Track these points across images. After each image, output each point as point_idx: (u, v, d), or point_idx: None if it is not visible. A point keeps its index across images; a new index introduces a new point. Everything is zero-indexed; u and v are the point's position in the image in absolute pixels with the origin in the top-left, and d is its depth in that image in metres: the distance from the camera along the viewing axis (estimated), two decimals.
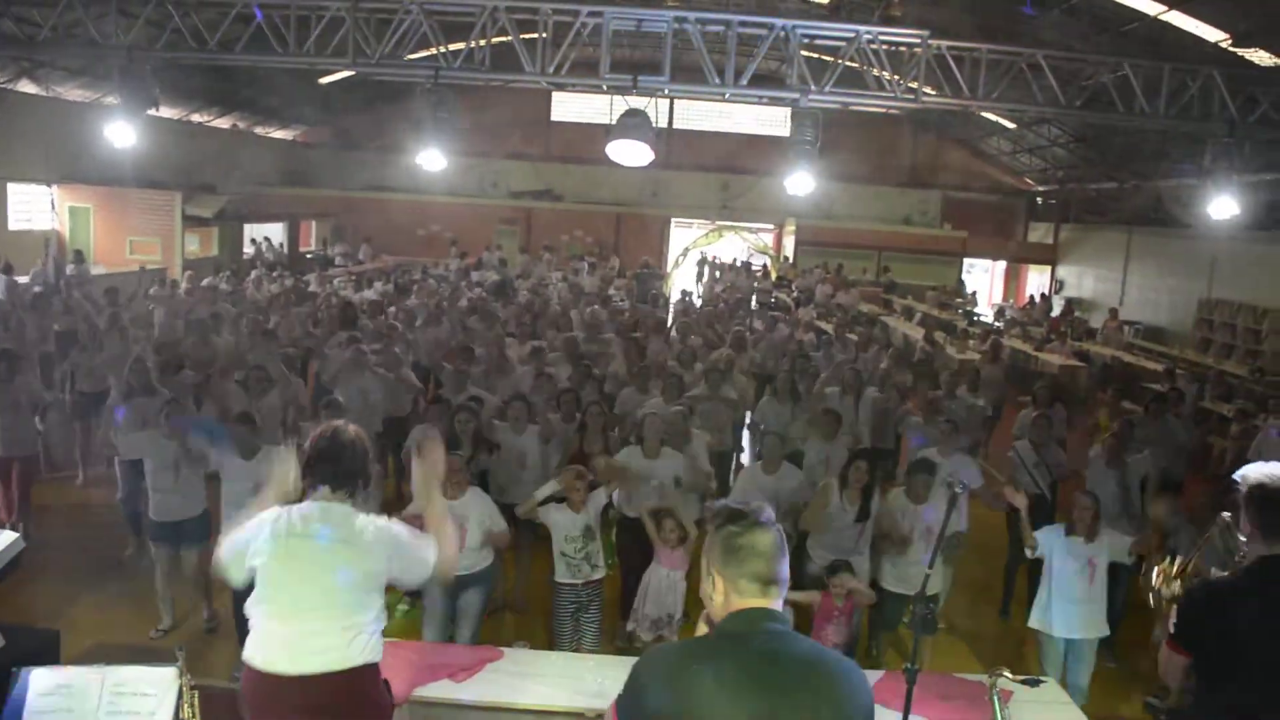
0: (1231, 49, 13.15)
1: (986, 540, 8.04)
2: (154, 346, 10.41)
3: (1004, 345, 16.13)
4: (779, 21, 10.18)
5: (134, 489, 7.47)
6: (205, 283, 15.32)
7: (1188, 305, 20.56)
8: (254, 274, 17.57)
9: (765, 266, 26.45)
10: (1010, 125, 24.48)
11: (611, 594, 6.59)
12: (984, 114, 21.47)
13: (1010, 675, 4.34)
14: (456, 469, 5.65)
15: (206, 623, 6.81)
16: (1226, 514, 3.98)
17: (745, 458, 10.41)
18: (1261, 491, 3.07)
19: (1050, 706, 4.95)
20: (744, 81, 10.51)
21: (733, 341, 11.33)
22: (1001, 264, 29.50)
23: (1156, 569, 3.84)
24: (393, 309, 13.36)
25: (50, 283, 15.17)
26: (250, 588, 3.35)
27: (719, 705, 2.22)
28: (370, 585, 3.35)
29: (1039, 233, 28.76)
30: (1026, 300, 26.52)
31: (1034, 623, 5.93)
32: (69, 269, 16.23)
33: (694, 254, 27.64)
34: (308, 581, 3.27)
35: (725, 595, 2.40)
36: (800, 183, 10.70)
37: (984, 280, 29.25)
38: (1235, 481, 3.20)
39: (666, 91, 11.97)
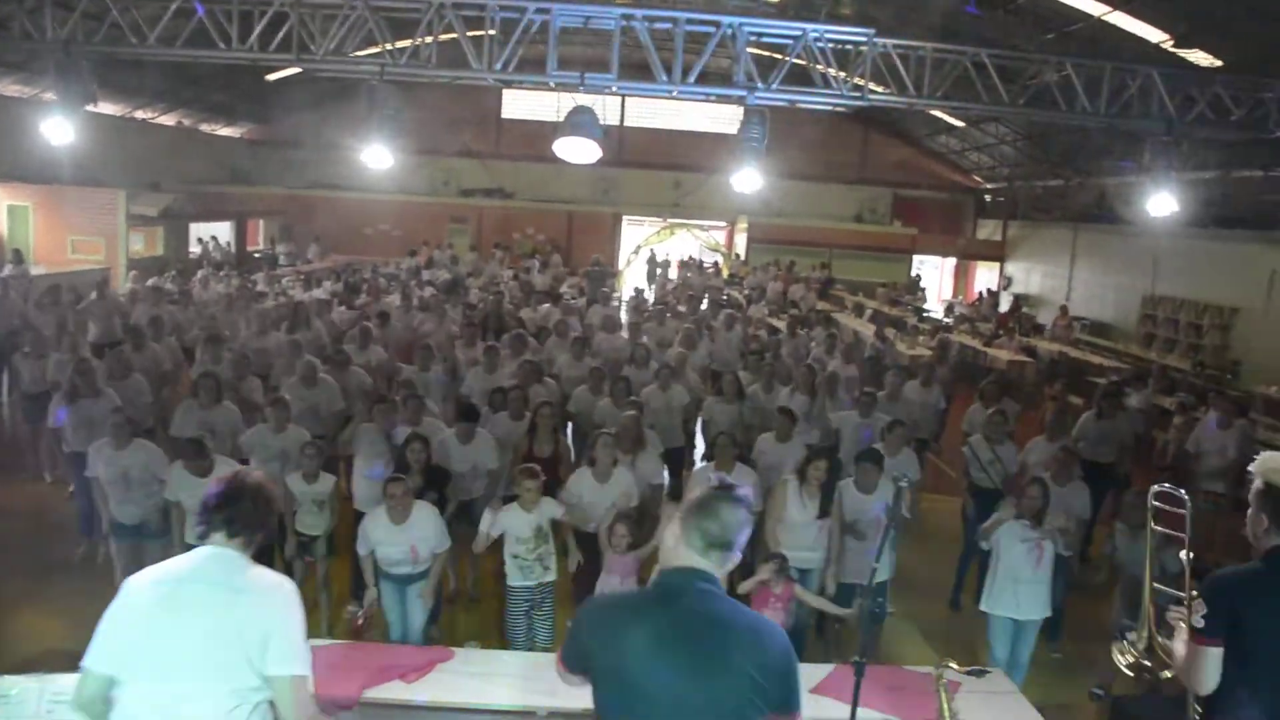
0: (1173, 49, 13.43)
1: (939, 530, 8.13)
2: (93, 349, 10.19)
3: (952, 343, 16.35)
4: (726, 19, 10.19)
5: (86, 482, 7.27)
6: (150, 283, 15.02)
7: (1132, 301, 20.97)
8: (201, 273, 17.29)
9: (717, 264, 26.54)
10: (959, 123, 24.76)
11: (564, 591, 6.54)
12: (932, 112, 21.71)
13: (957, 667, 4.40)
14: (397, 494, 5.73)
15: None
16: (1159, 527, 4.10)
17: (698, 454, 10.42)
18: (1276, 485, 3.15)
19: (996, 696, 5.04)
20: (692, 79, 10.51)
21: (683, 340, 11.33)
22: (951, 261, 29.91)
23: (1115, 650, 4.20)
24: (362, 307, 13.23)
25: None
26: None
27: (645, 654, 2.54)
28: (257, 642, 2.91)
29: (987, 229, 29.15)
30: (975, 296, 26.80)
31: (983, 605, 6.09)
32: (7, 269, 15.83)
33: (645, 251, 27.74)
34: (186, 632, 2.88)
35: (676, 544, 2.67)
36: (748, 180, 10.71)
37: (934, 277, 29.65)
38: (1248, 474, 3.29)
39: (615, 89, 11.95)
